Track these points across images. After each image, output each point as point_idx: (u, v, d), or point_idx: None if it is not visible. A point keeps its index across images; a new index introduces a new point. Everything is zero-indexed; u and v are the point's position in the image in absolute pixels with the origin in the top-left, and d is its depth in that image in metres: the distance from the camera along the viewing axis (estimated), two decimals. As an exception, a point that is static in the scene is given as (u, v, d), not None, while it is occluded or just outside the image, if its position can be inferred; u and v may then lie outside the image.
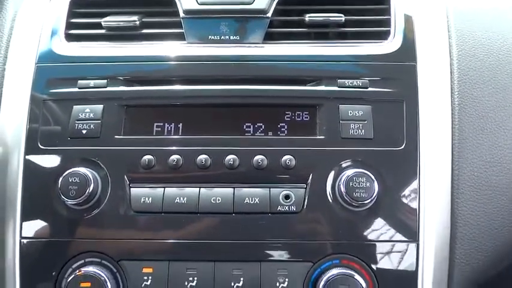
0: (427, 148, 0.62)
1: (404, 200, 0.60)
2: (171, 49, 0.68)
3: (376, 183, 0.58)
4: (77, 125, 0.63)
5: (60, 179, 0.59)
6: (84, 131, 0.63)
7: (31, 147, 0.63)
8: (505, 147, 0.64)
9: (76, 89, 0.65)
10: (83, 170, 0.60)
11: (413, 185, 0.60)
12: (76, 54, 0.68)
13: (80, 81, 0.65)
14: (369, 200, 0.58)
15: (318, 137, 0.62)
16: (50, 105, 0.65)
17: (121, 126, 0.63)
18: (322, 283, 0.57)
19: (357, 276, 0.57)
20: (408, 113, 0.63)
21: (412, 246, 0.59)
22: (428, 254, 0.59)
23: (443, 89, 0.65)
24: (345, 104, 0.63)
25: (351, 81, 0.64)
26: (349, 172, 0.59)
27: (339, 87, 0.64)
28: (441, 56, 0.67)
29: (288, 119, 0.63)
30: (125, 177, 0.61)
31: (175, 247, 0.60)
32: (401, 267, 0.59)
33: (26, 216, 0.61)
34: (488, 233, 0.62)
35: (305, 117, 0.63)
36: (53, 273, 0.60)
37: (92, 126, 0.63)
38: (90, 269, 0.58)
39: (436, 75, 0.65)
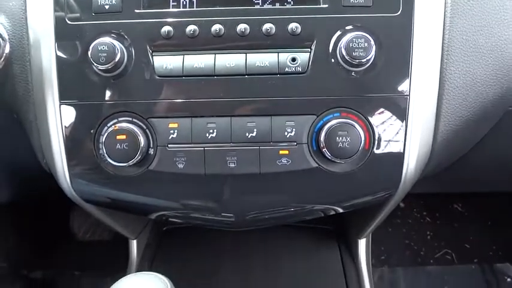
0: (421, 15, 0.67)
1: (399, 59, 0.67)
2: None
3: (373, 43, 0.65)
4: (99, 1, 0.68)
5: (90, 48, 0.66)
6: (107, 6, 0.68)
7: (60, 24, 0.69)
8: (493, 12, 0.69)
9: None
10: (109, 40, 0.66)
11: (407, 46, 0.67)
12: None
13: None
14: (367, 58, 0.65)
15: (322, 5, 0.67)
16: None
17: (140, 1, 0.69)
18: (324, 131, 0.66)
19: (356, 125, 0.66)
20: None
21: (404, 99, 0.67)
22: (418, 107, 0.68)
23: (438, -41, 0.69)
24: None
25: None
26: (349, 35, 0.65)
27: None
28: None
29: None
30: (147, 46, 0.68)
31: (196, 105, 0.68)
32: (393, 118, 0.67)
33: (63, 83, 0.69)
34: (472, 90, 0.70)
35: None
36: (91, 131, 0.69)
37: (113, 1, 0.68)
38: (124, 124, 0.67)
39: None
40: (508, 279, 1.56)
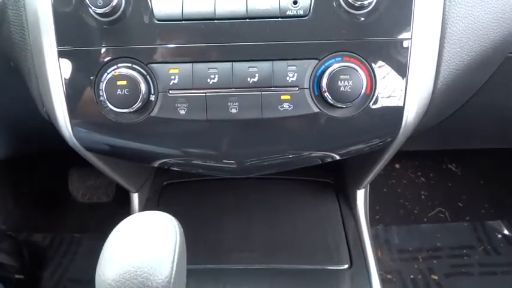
0: None
1: (401, 1, 0.66)
2: None
3: None
4: None
5: None
6: None
7: None
8: (497, -47, 0.68)
9: None
10: None
11: None
12: None
13: None
14: (369, 1, 0.63)
15: None
16: None
17: None
18: (326, 75, 0.66)
19: (358, 69, 0.66)
20: None
21: (406, 43, 0.67)
22: (420, 51, 0.67)
23: None
24: None
25: None
26: None
27: None
28: None
29: None
30: None
31: (197, 50, 0.67)
32: (394, 62, 0.67)
33: (60, 29, 0.67)
34: (474, 33, 0.70)
35: None
36: (91, 78, 0.68)
37: None
38: (124, 70, 0.67)
39: None
40: (499, 236, 1.61)
